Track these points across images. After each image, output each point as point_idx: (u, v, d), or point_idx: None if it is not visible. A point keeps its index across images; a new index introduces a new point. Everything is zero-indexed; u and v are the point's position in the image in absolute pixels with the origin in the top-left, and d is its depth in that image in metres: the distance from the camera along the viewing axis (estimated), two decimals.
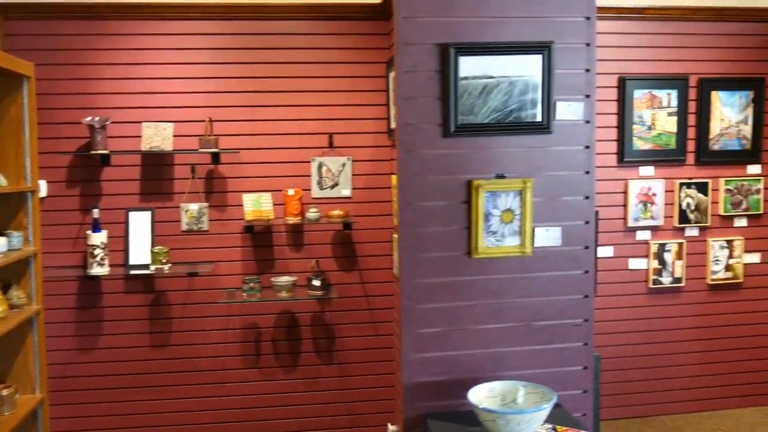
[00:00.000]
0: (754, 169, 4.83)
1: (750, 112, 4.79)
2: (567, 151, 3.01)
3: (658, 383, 4.84)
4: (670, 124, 4.72)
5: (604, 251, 4.70)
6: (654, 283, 4.77)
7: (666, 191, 4.74)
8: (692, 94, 4.73)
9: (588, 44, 3.00)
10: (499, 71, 2.94)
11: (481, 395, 2.78)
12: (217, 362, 4.51)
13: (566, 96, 2.99)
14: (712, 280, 4.83)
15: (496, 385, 2.84)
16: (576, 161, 3.02)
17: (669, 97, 4.70)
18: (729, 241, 4.83)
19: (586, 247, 3.06)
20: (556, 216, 3.02)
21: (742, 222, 4.86)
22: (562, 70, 2.98)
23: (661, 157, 4.73)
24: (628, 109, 4.66)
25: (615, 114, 4.68)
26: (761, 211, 4.86)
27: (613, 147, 4.69)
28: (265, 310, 4.53)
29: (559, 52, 2.97)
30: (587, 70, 3.01)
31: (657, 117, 4.70)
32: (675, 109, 4.71)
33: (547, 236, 3.01)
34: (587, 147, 3.02)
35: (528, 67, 2.95)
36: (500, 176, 2.98)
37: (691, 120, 4.75)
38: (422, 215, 2.95)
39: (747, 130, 4.80)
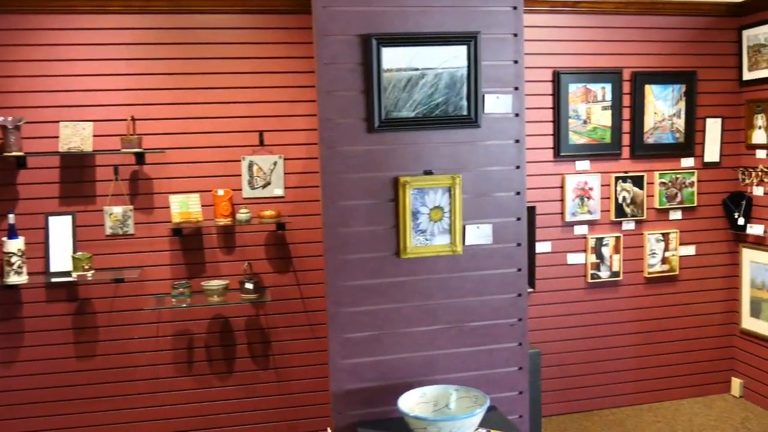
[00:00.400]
0: (687, 162, 4.78)
1: (683, 105, 4.73)
2: (496, 146, 2.85)
3: (598, 377, 4.75)
4: (605, 118, 4.62)
5: (542, 246, 4.58)
6: (592, 278, 4.67)
7: (602, 185, 4.65)
8: (626, 87, 4.65)
9: (515, 35, 2.84)
10: (424, 63, 2.76)
11: (412, 402, 2.60)
12: (148, 371, 4.24)
13: (494, 88, 2.83)
14: (649, 273, 4.77)
15: (428, 390, 2.66)
16: (506, 156, 2.86)
17: (603, 90, 4.60)
18: (665, 234, 4.77)
19: (519, 244, 2.90)
20: (486, 213, 2.86)
21: (677, 215, 4.80)
22: (490, 61, 2.82)
23: (596, 151, 4.63)
24: (563, 104, 4.55)
25: (550, 108, 4.56)
26: (695, 204, 4.81)
27: (549, 141, 4.57)
28: (197, 316, 4.28)
29: (486, 43, 2.81)
30: (515, 62, 2.85)
31: (592, 111, 4.60)
32: (609, 103, 4.62)
33: (478, 234, 2.85)
34: (517, 141, 2.87)
35: (454, 59, 2.78)
36: (428, 172, 2.81)
37: (626, 114, 4.67)
38: (347, 215, 2.76)
39: (680, 123, 4.74)
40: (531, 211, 4.52)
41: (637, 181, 4.69)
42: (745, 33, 4.72)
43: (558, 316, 4.65)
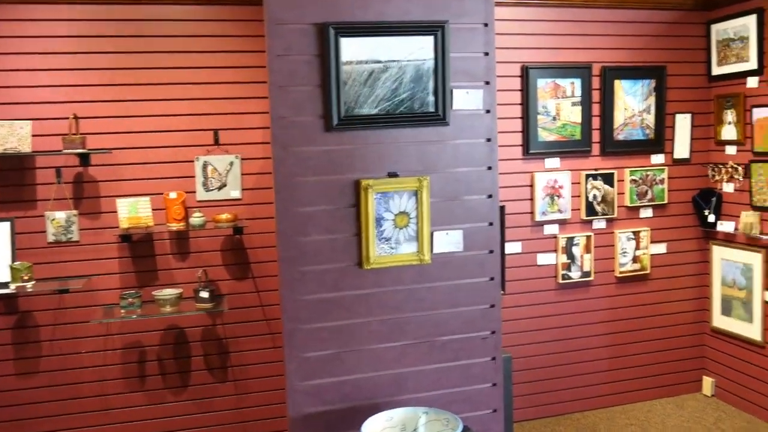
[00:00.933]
0: (657, 158, 4.56)
1: (652, 101, 4.50)
2: (466, 145, 2.56)
3: (570, 380, 4.52)
4: (575, 114, 4.38)
5: (512, 247, 4.32)
6: (563, 278, 4.43)
7: (572, 183, 4.40)
8: (596, 83, 4.40)
9: (486, 24, 2.56)
10: (386, 55, 2.46)
11: (377, 426, 2.31)
12: (96, 388, 3.87)
13: (464, 83, 2.54)
14: (621, 272, 4.54)
15: (396, 414, 2.37)
16: (477, 156, 2.58)
17: (573, 86, 4.35)
18: (636, 233, 4.55)
19: (491, 251, 2.63)
20: (456, 218, 2.57)
21: (647, 212, 4.58)
22: (458, 53, 2.53)
23: (566, 149, 4.38)
24: (532, 99, 4.28)
25: (519, 104, 4.29)
26: (666, 201, 4.59)
27: (518, 139, 4.31)
28: (149, 327, 3.92)
29: (455, 33, 2.52)
30: (486, 54, 2.57)
31: (561, 107, 4.35)
32: (579, 99, 4.37)
33: (448, 241, 2.56)
34: (489, 140, 2.59)
35: (420, 51, 2.48)
36: (392, 175, 2.51)
37: (596, 110, 4.42)
38: (303, 222, 2.45)
39: (650, 119, 4.52)
40: (500, 210, 4.25)
41: (608, 179, 4.45)
42: (714, 27, 4.51)
43: (528, 319, 4.40)
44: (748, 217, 4.29)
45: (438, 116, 2.51)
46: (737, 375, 4.52)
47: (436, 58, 2.49)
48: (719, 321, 4.64)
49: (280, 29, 2.39)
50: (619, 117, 4.45)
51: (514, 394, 4.26)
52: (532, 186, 4.33)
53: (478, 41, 2.55)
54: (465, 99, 2.53)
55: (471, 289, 2.61)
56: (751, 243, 4.35)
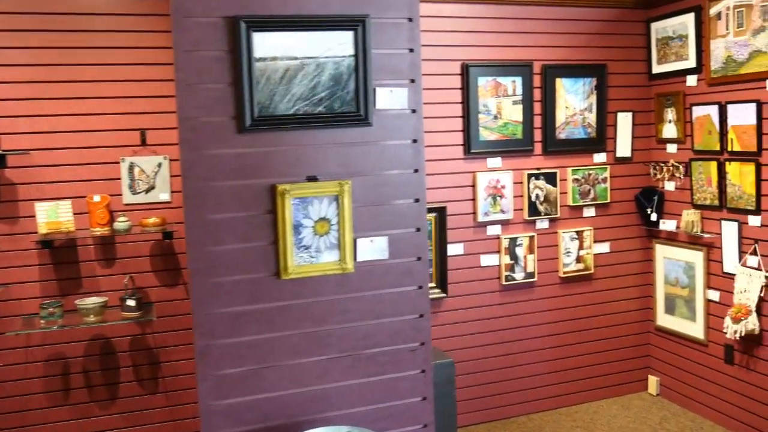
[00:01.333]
0: (599, 157, 4.46)
1: (594, 99, 4.40)
2: (391, 147, 2.39)
3: (514, 383, 4.39)
4: (516, 113, 4.24)
5: (454, 249, 4.17)
6: (507, 280, 4.30)
7: (515, 183, 4.27)
8: (537, 81, 4.27)
9: (411, 19, 2.39)
10: (304, 51, 2.27)
11: None
12: (17, 403, 3.60)
13: (387, 81, 2.37)
14: (564, 272, 4.43)
15: None
16: (402, 158, 2.41)
17: (514, 84, 4.22)
18: (579, 232, 4.44)
19: (419, 258, 2.46)
20: (381, 224, 2.40)
21: (590, 212, 4.48)
22: (381, 49, 2.35)
23: (508, 148, 4.24)
24: (472, 98, 4.13)
25: (460, 103, 4.14)
26: (608, 200, 4.50)
27: (459, 138, 4.16)
28: (73, 338, 3.66)
29: (377, 29, 2.34)
30: (411, 50, 2.40)
31: (503, 106, 4.21)
32: (520, 98, 4.23)
33: (372, 248, 2.39)
34: (415, 141, 2.42)
35: (339, 47, 2.30)
36: (312, 179, 2.32)
37: (537, 108, 4.30)
38: (215, 230, 2.24)
39: (592, 117, 4.41)
40: (441, 211, 4.11)
41: (550, 178, 4.34)
42: (654, 26, 4.42)
43: (472, 321, 4.25)
44: (689, 216, 4.22)
45: (360, 116, 2.33)
46: (681, 373, 4.46)
47: (356, 55, 2.30)
48: (663, 320, 4.58)
49: (187, 22, 2.18)
50: (560, 116, 4.33)
51: (457, 398, 4.12)
52: (474, 186, 4.19)
53: (402, 37, 2.37)
54: (389, 98, 2.36)
55: (398, 298, 2.44)
56: (692, 241, 4.28)
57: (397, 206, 2.41)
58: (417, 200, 2.43)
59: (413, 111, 2.40)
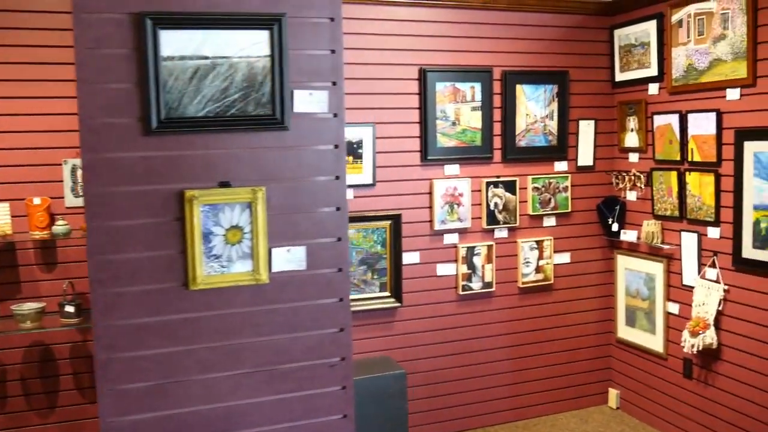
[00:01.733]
0: (561, 165, 4.32)
1: (555, 106, 4.26)
2: (311, 152, 2.25)
3: (471, 395, 4.24)
4: (475, 120, 4.10)
5: (409, 257, 4.02)
6: (464, 290, 4.15)
7: (473, 191, 4.13)
8: (497, 87, 4.14)
9: (333, 19, 2.24)
10: (215, 50, 2.13)
11: None
12: None
13: (306, 83, 2.22)
14: (523, 283, 4.28)
15: None
16: (323, 164, 2.26)
17: (473, 90, 4.08)
18: (539, 242, 4.30)
19: (340, 270, 2.31)
20: (299, 233, 2.25)
21: (551, 221, 4.33)
22: (300, 50, 2.21)
23: (466, 155, 4.10)
24: (430, 104, 3.99)
25: (417, 109, 4.00)
26: (569, 210, 4.35)
27: (416, 144, 4.01)
28: (10, 344, 3.51)
29: (296, 28, 2.20)
30: (333, 51, 2.25)
31: (461, 112, 4.07)
32: (479, 104, 4.09)
33: (289, 258, 2.24)
34: (336, 146, 2.27)
35: (254, 46, 2.15)
36: (224, 184, 2.18)
37: (497, 115, 4.16)
38: (119, 238, 2.10)
39: (553, 125, 4.27)
40: (397, 219, 3.97)
41: (510, 186, 4.19)
42: (617, 33, 4.29)
43: (427, 332, 4.10)
44: (650, 227, 4.07)
45: (276, 120, 2.18)
46: (641, 387, 4.31)
47: (272, 55, 2.16)
48: (624, 332, 4.43)
49: (89, 18, 2.03)
50: (521, 123, 4.19)
51: (410, 411, 3.96)
52: (430, 194, 4.05)
53: (323, 37, 2.23)
54: (308, 101, 2.22)
55: (317, 311, 2.29)
56: (653, 253, 4.14)
57: (317, 214, 2.26)
58: (338, 208, 2.28)
59: (335, 115, 2.26)
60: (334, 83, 2.25)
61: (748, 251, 3.51)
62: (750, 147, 3.48)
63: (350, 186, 3.85)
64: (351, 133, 3.82)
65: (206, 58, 2.11)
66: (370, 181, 3.90)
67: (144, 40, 2.06)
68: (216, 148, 2.14)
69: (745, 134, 3.48)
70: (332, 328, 2.31)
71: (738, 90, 3.53)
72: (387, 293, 3.98)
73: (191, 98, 2.10)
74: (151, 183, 2.10)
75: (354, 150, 3.85)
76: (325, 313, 2.29)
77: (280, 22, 2.15)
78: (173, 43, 2.08)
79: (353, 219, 3.86)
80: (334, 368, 2.32)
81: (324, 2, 2.21)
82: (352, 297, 3.88)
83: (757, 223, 3.45)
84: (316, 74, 2.22)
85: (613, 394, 4.53)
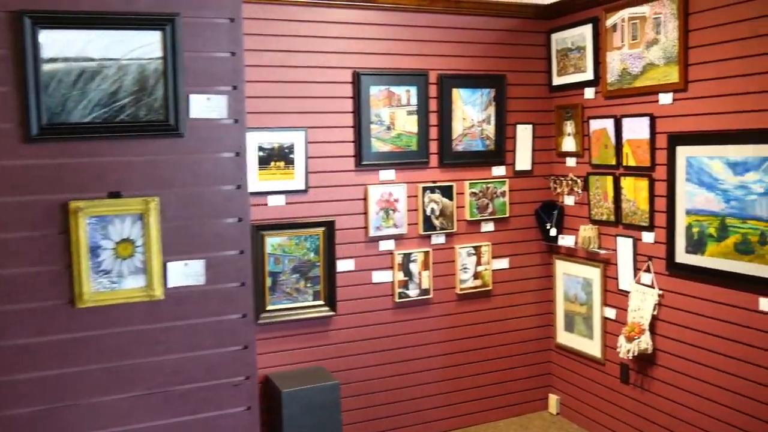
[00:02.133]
0: (498, 170, 4.24)
1: (492, 111, 4.19)
2: (209, 160, 2.11)
3: (408, 404, 4.13)
4: (411, 124, 4.00)
5: (343, 265, 3.90)
6: (400, 297, 4.04)
7: (409, 196, 4.02)
8: (433, 91, 4.04)
9: (233, 20, 2.11)
10: (102, 52, 1.98)
11: None
12: None
13: (204, 87, 2.09)
14: (461, 289, 4.20)
15: None
16: (222, 173, 2.13)
17: (408, 94, 3.98)
18: (476, 248, 4.21)
19: (243, 284, 2.18)
20: (198, 246, 2.12)
21: (489, 227, 4.25)
22: (197, 52, 2.07)
23: (402, 160, 4.00)
24: (364, 108, 3.88)
25: (351, 113, 3.88)
26: (507, 215, 4.28)
27: (350, 149, 3.89)
28: None
29: (192, 29, 2.06)
30: (233, 54, 2.12)
31: (396, 116, 3.97)
32: (415, 108, 3.99)
33: (186, 273, 2.10)
34: (238, 154, 2.14)
35: (144, 48, 2.01)
36: (114, 195, 2.03)
37: (433, 119, 4.06)
38: None
39: (490, 129, 4.20)
40: (330, 225, 3.84)
41: (446, 192, 4.10)
42: (554, 36, 4.24)
43: (362, 341, 3.98)
44: (587, 231, 4.02)
45: (170, 126, 2.04)
46: (580, 392, 4.26)
47: (165, 57, 2.02)
48: (563, 337, 4.38)
49: None
50: (457, 127, 4.11)
51: (344, 422, 3.84)
52: (365, 199, 3.93)
53: (222, 39, 2.10)
54: (206, 106, 2.08)
55: (218, 328, 2.15)
56: (590, 258, 4.09)
57: (217, 226, 2.12)
58: (240, 219, 2.15)
59: (236, 121, 2.12)
60: (234, 87, 2.11)
61: (682, 256, 3.47)
62: (682, 152, 3.44)
63: (282, 192, 3.72)
64: (282, 138, 3.70)
65: (92, 60, 1.96)
66: (303, 187, 3.77)
67: (22, 41, 1.90)
68: (105, 156, 1.99)
69: (678, 139, 3.45)
70: (235, 346, 2.17)
71: (670, 95, 3.49)
72: (321, 302, 3.86)
73: (76, 103, 1.95)
74: (32, 193, 1.94)
75: (285, 155, 3.72)
76: (228, 330, 2.16)
77: (173, 23, 2.01)
78: (55, 43, 1.93)
79: (285, 226, 3.73)
80: (238, 388, 2.18)
81: (222, 2, 2.08)
82: (284, 306, 3.77)
83: (689, 227, 3.41)
84: (214, 78, 2.09)
85: (553, 399, 4.47)
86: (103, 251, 2.00)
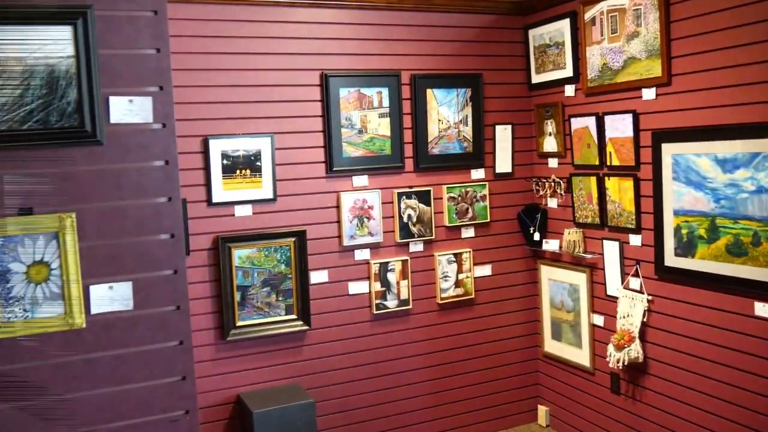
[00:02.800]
0: (478, 173, 3.97)
1: (469, 111, 3.92)
2: (133, 170, 1.84)
3: (390, 420, 3.84)
4: (384, 127, 3.74)
5: (317, 276, 3.63)
6: (378, 308, 3.77)
7: (384, 203, 3.75)
8: (406, 92, 3.78)
9: (156, 12, 1.85)
10: (2, 50, 1.71)
11: None
12: None
13: (125, 89, 1.82)
14: (443, 298, 3.92)
15: None
16: (149, 184, 1.86)
17: (380, 96, 3.71)
18: (457, 255, 3.94)
19: (178, 308, 1.90)
20: (123, 266, 1.84)
21: (469, 232, 3.98)
22: (116, 50, 1.81)
23: (376, 165, 3.73)
24: (333, 111, 3.61)
25: (320, 116, 3.62)
26: (489, 219, 4.01)
27: (320, 155, 3.63)
28: None
29: (109, 23, 1.79)
30: (158, 51, 1.85)
31: (368, 119, 3.70)
32: (387, 110, 3.73)
33: (111, 297, 1.83)
34: (167, 162, 1.87)
35: (52, 45, 1.74)
36: (25, 212, 1.76)
37: (407, 121, 3.79)
38: None
39: (467, 131, 3.93)
40: (301, 235, 3.57)
41: (423, 197, 3.83)
42: (531, 33, 3.97)
43: (339, 356, 3.71)
44: (571, 235, 3.75)
45: (86, 132, 1.77)
46: (570, 403, 3.98)
47: (78, 56, 1.75)
48: (550, 346, 4.10)
49: None
50: (433, 129, 3.84)
51: None
52: (338, 207, 3.66)
53: (144, 34, 1.83)
54: (127, 110, 1.81)
55: (150, 358, 1.88)
56: (575, 262, 3.81)
57: (146, 243, 1.85)
58: (173, 235, 1.88)
59: (164, 125, 1.85)
60: (161, 88, 1.84)
61: (671, 259, 3.20)
62: (668, 149, 3.18)
63: (249, 201, 3.46)
64: (248, 145, 3.43)
65: None
66: (271, 196, 3.50)
67: None
68: (11, 168, 1.72)
69: (663, 136, 3.19)
70: (171, 377, 1.90)
71: (654, 89, 3.23)
72: (294, 316, 3.58)
73: None
74: None
75: (251, 163, 3.45)
76: (161, 360, 1.88)
77: (85, 16, 1.74)
78: None
79: (253, 237, 3.47)
80: (177, 423, 1.91)
81: None
82: (255, 321, 3.49)
83: (678, 229, 3.15)
84: (136, 78, 1.82)
85: (542, 411, 4.19)
86: (13, 275, 1.73)
